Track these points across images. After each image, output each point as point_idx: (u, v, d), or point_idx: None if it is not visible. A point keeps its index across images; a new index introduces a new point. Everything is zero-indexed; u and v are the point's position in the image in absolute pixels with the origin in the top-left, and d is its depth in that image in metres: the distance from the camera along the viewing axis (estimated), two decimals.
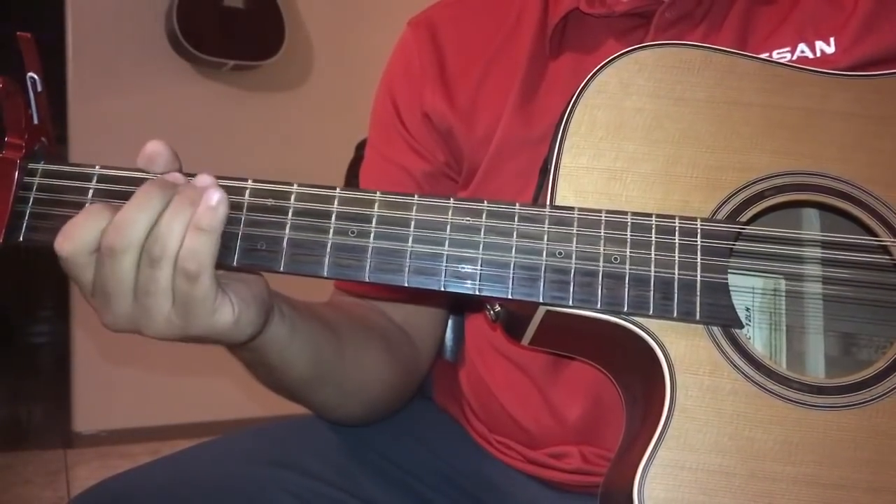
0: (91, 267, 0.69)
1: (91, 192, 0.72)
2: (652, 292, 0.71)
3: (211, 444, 0.97)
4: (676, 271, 0.71)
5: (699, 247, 0.72)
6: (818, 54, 0.86)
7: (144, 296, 0.69)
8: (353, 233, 0.71)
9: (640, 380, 0.76)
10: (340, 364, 0.90)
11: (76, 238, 0.68)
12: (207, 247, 0.68)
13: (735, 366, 0.71)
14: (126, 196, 0.71)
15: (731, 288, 0.72)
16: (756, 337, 0.80)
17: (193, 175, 0.72)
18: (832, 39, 0.86)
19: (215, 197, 0.68)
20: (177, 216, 0.68)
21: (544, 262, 0.71)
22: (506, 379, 0.97)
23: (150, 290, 0.69)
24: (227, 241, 0.71)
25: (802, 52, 0.87)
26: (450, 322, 1.14)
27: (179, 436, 2.79)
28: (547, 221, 0.72)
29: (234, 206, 0.71)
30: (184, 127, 3.19)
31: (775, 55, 0.87)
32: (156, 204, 0.68)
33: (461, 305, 1.08)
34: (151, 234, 0.68)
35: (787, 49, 0.87)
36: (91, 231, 0.68)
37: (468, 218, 0.72)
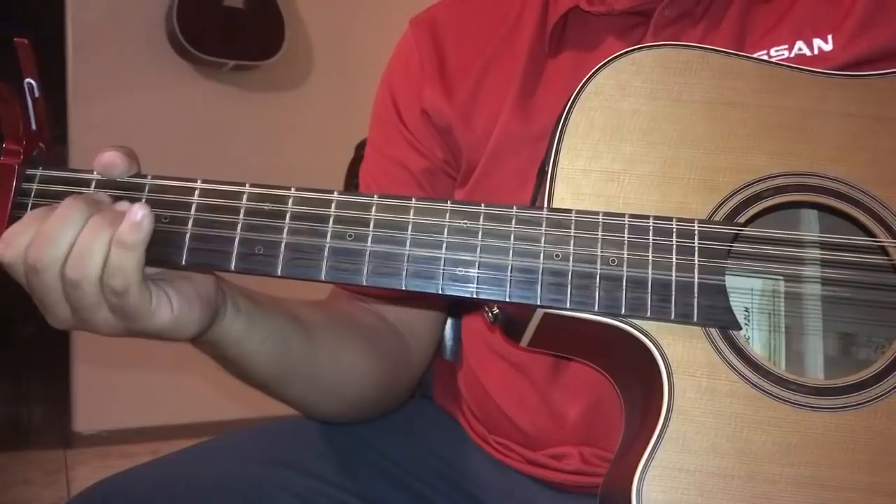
0: None
1: None
2: (649, 294, 0.71)
3: (210, 444, 0.97)
4: (674, 273, 0.71)
5: (696, 248, 0.72)
6: (816, 52, 0.86)
7: (77, 308, 0.70)
8: (350, 236, 0.71)
9: (638, 381, 0.76)
10: (312, 361, 0.89)
11: (15, 245, 0.69)
12: (132, 262, 0.68)
13: (733, 367, 0.71)
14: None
15: (729, 289, 0.72)
16: (755, 338, 0.80)
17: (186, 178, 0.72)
18: (830, 37, 0.86)
19: (140, 212, 0.68)
20: (96, 237, 0.68)
21: (542, 265, 0.71)
22: (503, 381, 0.97)
23: (81, 305, 0.70)
24: (224, 246, 0.71)
25: (800, 49, 0.87)
26: (450, 321, 1.14)
27: (179, 436, 2.79)
28: (544, 224, 0.72)
29: (231, 211, 0.72)
30: (184, 127, 3.19)
31: (773, 52, 0.87)
32: (78, 220, 0.68)
33: (458, 307, 1.08)
34: (69, 257, 0.68)
35: (785, 46, 0.87)
36: (27, 241, 0.69)
37: (465, 221, 0.72)
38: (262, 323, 0.83)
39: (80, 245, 0.68)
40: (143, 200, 0.72)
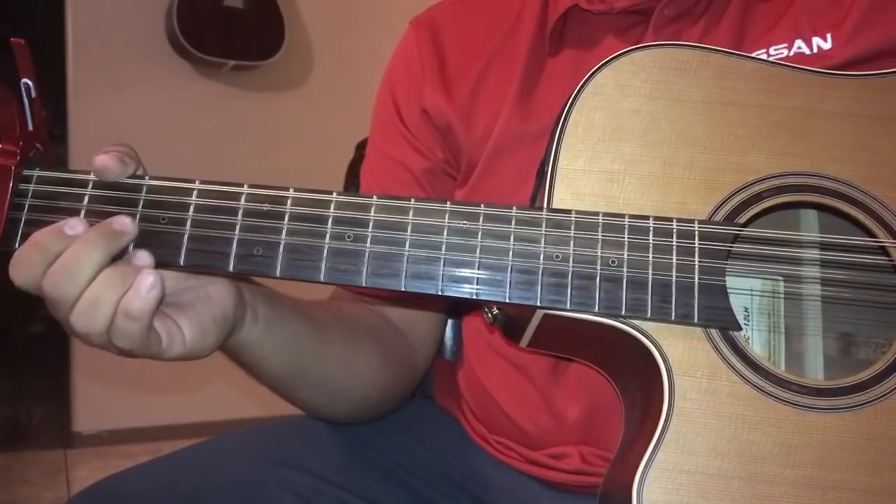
0: None
1: (87, 198, 0.72)
2: (650, 295, 0.71)
3: (211, 443, 0.97)
4: (674, 274, 0.71)
5: (697, 249, 0.72)
6: (815, 50, 0.86)
7: (89, 343, 0.71)
8: (349, 237, 0.71)
9: (638, 382, 0.76)
10: (324, 365, 0.90)
11: (24, 274, 0.69)
12: (136, 328, 0.68)
13: (733, 368, 0.71)
14: (121, 203, 0.72)
15: (729, 290, 0.72)
16: (755, 339, 0.80)
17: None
18: (829, 35, 0.86)
19: (147, 281, 0.67)
20: (104, 293, 0.67)
21: (542, 266, 0.71)
22: (503, 380, 0.97)
23: (90, 343, 0.70)
24: (223, 247, 0.71)
25: (799, 47, 0.86)
26: (450, 321, 1.14)
27: (179, 436, 2.79)
28: (544, 224, 0.72)
29: (230, 212, 0.71)
30: (184, 127, 3.18)
31: (772, 51, 0.87)
32: (98, 259, 0.68)
33: (459, 308, 1.08)
34: (76, 305, 0.68)
35: (785, 45, 0.87)
36: (37, 268, 0.69)
37: (465, 221, 0.72)
38: (278, 330, 0.83)
39: (88, 297, 0.67)
40: (151, 264, 0.71)
